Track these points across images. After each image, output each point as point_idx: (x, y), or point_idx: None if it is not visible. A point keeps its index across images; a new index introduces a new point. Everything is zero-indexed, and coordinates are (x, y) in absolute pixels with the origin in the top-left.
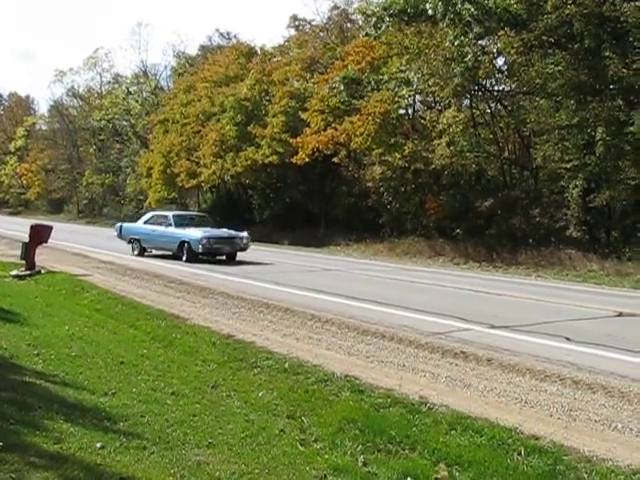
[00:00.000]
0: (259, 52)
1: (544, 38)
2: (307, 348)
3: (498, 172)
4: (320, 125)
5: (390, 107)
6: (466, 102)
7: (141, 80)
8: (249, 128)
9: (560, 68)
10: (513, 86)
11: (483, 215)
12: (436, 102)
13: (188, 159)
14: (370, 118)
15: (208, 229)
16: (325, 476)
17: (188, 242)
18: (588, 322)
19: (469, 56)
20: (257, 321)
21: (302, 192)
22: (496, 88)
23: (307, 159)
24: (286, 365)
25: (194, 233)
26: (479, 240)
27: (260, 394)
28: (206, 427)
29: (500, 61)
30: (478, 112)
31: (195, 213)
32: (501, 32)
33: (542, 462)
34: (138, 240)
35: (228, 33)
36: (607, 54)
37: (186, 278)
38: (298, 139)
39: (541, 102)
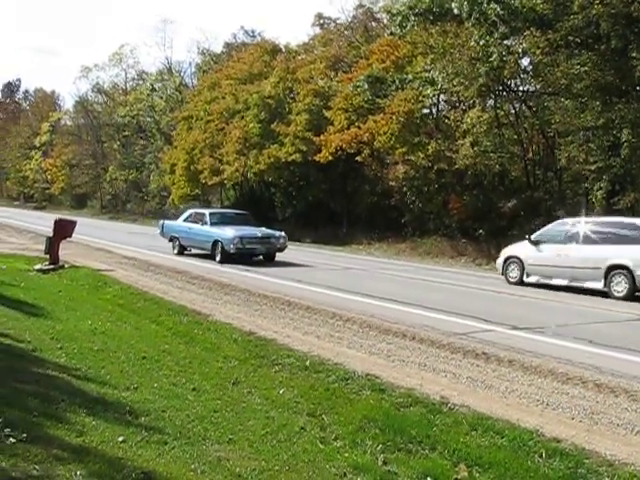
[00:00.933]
0: (283, 50)
1: (570, 38)
2: (328, 346)
3: (522, 173)
4: (344, 124)
5: (414, 106)
6: (490, 102)
7: (165, 77)
8: (272, 126)
9: (586, 69)
10: (538, 86)
11: (506, 216)
12: (460, 102)
13: (211, 156)
14: (394, 117)
15: (244, 228)
16: (345, 474)
17: (221, 241)
18: (611, 325)
19: (494, 56)
20: (279, 318)
21: (324, 190)
22: (521, 88)
23: (330, 157)
24: (307, 363)
25: (227, 232)
26: (502, 241)
27: (281, 391)
28: (227, 423)
29: (525, 61)
30: (502, 112)
31: (234, 211)
32: (527, 32)
33: (563, 465)
34: (178, 238)
35: (253, 31)
36: (634, 55)
37: (208, 275)
38: (321, 137)
39: (566, 103)
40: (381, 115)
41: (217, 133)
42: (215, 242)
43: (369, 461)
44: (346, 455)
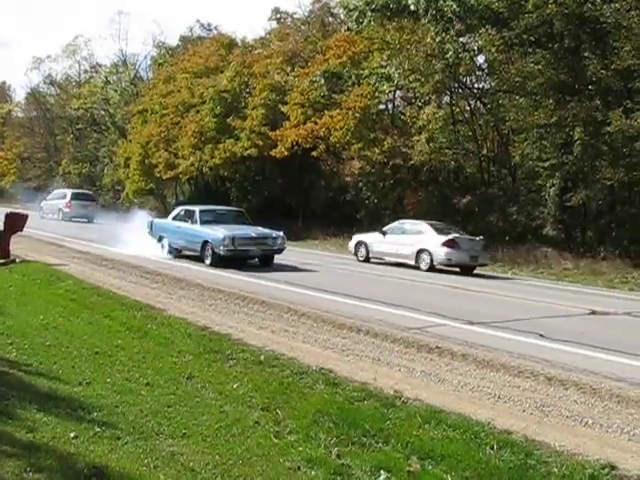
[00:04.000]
0: (240, 44)
1: (525, 37)
2: (283, 341)
3: (476, 169)
4: (300, 119)
5: (370, 102)
6: (446, 99)
7: (120, 70)
8: (228, 120)
9: (540, 67)
10: (493, 84)
11: (461, 212)
12: (416, 98)
13: (166, 150)
14: (350, 113)
15: (237, 227)
16: (299, 468)
17: (210, 242)
18: (562, 320)
19: (450, 53)
20: (233, 313)
21: (281, 185)
22: (476, 85)
23: (286, 153)
24: (261, 357)
25: (217, 232)
26: None
27: (235, 386)
28: (180, 418)
29: (481, 59)
30: (458, 109)
31: (228, 208)
32: (482, 30)
33: (514, 456)
34: (166, 239)
35: (209, 24)
36: (586, 54)
37: (163, 270)
38: (277, 132)
39: (520, 100)
40: (337, 110)
41: (172, 127)
42: (204, 243)
43: (323, 455)
44: (300, 449)
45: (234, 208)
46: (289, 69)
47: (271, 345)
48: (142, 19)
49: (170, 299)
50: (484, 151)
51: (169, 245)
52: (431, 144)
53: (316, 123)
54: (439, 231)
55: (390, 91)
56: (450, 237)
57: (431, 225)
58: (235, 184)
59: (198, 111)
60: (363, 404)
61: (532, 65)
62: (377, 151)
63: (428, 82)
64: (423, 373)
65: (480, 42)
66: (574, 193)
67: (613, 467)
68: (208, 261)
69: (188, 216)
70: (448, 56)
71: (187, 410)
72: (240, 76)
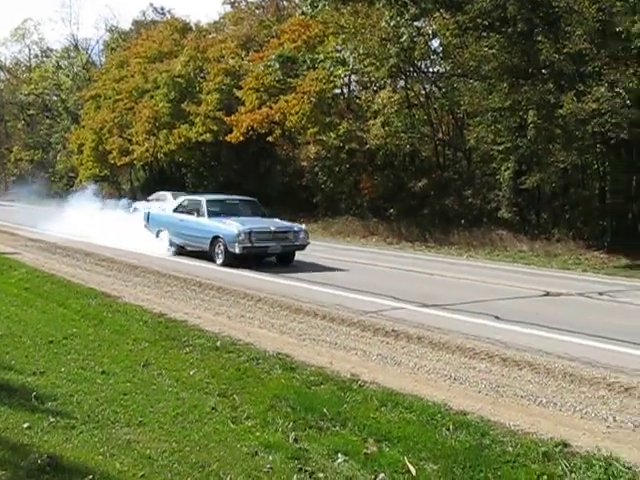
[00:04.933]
0: (194, 28)
1: (478, 21)
2: (239, 326)
3: (432, 153)
4: (255, 103)
5: (325, 86)
6: (401, 83)
7: (72, 54)
8: (183, 105)
9: (494, 51)
10: (448, 68)
11: (417, 195)
12: (371, 82)
13: (120, 136)
14: (305, 97)
15: (252, 220)
16: (256, 453)
17: (222, 238)
18: (517, 301)
19: (405, 37)
20: (190, 300)
21: (236, 171)
22: (431, 70)
23: (241, 138)
24: (218, 343)
25: (230, 226)
26: (412, 220)
27: (191, 372)
28: (137, 406)
29: (435, 43)
30: (413, 93)
31: (239, 197)
32: (436, 14)
33: (469, 437)
34: (166, 234)
35: (162, 8)
36: (539, 38)
37: (118, 257)
38: (233, 117)
39: (475, 84)
40: (292, 95)
41: (126, 113)
42: (214, 239)
43: (280, 439)
44: (257, 434)
45: (246, 197)
46: (244, 53)
47: (228, 331)
48: (94, 2)
49: (125, 286)
50: (439, 135)
51: (170, 241)
52: (386, 128)
53: (271, 108)
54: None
55: (345, 75)
56: None
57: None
58: (191, 170)
59: (152, 96)
60: (320, 388)
61: (486, 49)
62: (333, 135)
63: (383, 66)
64: (379, 356)
65: (434, 26)
66: (528, 176)
67: (566, 445)
68: (219, 260)
69: (193, 207)
70: (403, 40)
71: (143, 398)
72: (194, 61)
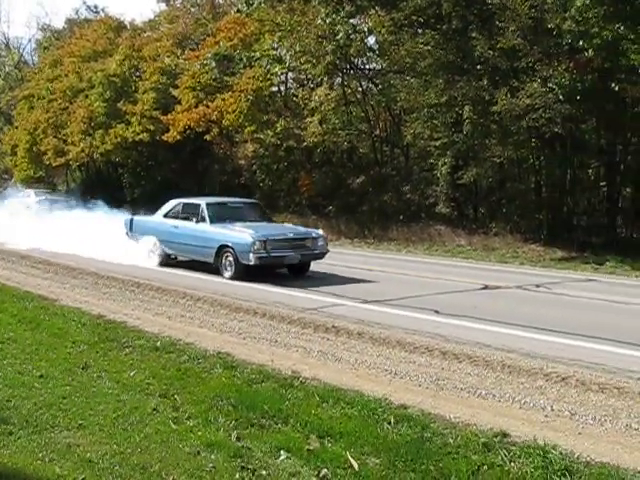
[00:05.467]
0: (128, 27)
1: (413, 18)
2: (179, 326)
3: (370, 150)
4: (192, 102)
5: (262, 84)
6: (338, 80)
7: (3, 53)
8: (119, 105)
9: (429, 48)
10: (384, 65)
11: (355, 192)
12: (308, 80)
13: (55, 136)
14: (242, 95)
15: (264, 226)
16: (198, 452)
17: (232, 248)
18: (456, 295)
19: (341, 34)
20: (128, 301)
21: (174, 170)
22: (367, 67)
23: (178, 137)
24: (158, 344)
25: (242, 234)
26: (351, 217)
27: (132, 374)
28: (76, 409)
29: (371, 40)
30: (350, 90)
31: (241, 200)
32: (372, 11)
33: (410, 430)
34: (156, 242)
35: (96, 6)
36: (474, 35)
37: (54, 258)
38: (169, 116)
39: (411, 81)
40: (229, 93)
41: (61, 113)
42: (221, 249)
43: (222, 438)
44: (199, 433)
45: (248, 200)
46: (179, 52)
47: (168, 331)
48: (25, 0)
49: (63, 289)
50: (377, 131)
51: (161, 251)
52: (324, 125)
53: (208, 106)
54: None
55: (282, 73)
56: None
57: None
58: (127, 170)
59: (87, 96)
60: (261, 386)
61: (421, 46)
62: (270, 133)
63: (320, 63)
64: (320, 353)
65: (370, 23)
66: (465, 171)
67: (505, 435)
68: (228, 273)
69: (190, 212)
70: (339, 37)
71: (83, 401)
72: (129, 60)
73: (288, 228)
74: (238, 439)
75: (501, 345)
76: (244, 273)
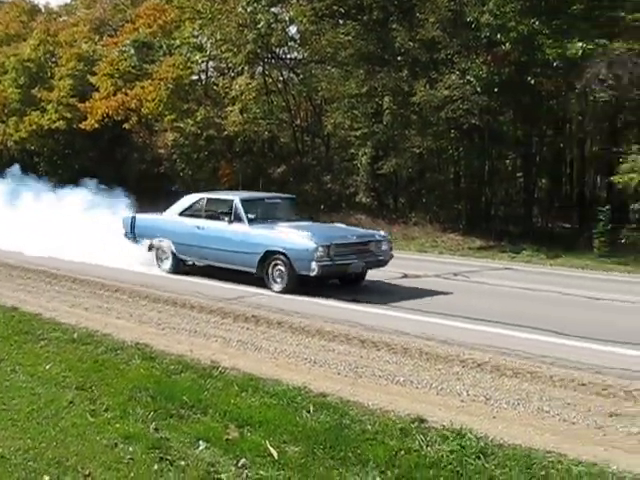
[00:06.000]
0: (43, 10)
1: (335, 8)
2: (97, 318)
3: (291, 139)
4: (110, 90)
5: (183, 72)
6: (259, 69)
7: None
8: (34, 91)
9: (350, 38)
10: (305, 54)
11: (276, 182)
12: (229, 69)
13: None
14: (162, 83)
15: (316, 226)
16: (116, 444)
17: (285, 255)
18: (375, 284)
19: (262, 23)
20: (44, 292)
21: (92, 159)
22: (289, 56)
23: (96, 125)
24: (75, 335)
25: (297, 237)
26: None
27: (47, 367)
28: None
29: (293, 29)
30: (271, 79)
31: (276, 195)
32: (293, 0)
33: (329, 418)
34: (169, 246)
35: None
36: (394, 26)
37: None
38: (87, 104)
39: (332, 71)
40: (149, 81)
41: None
42: (268, 256)
43: (140, 430)
44: (117, 426)
45: (284, 194)
46: (97, 38)
47: (85, 322)
48: None
49: None
50: (298, 121)
51: (174, 257)
52: (245, 114)
53: (127, 94)
54: None
55: (203, 61)
56: None
57: None
58: (44, 158)
59: (0, 82)
60: (180, 376)
61: (342, 36)
62: (190, 122)
63: (241, 52)
64: (240, 342)
65: (291, 13)
66: (385, 161)
67: (422, 420)
68: (278, 285)
69: (218, 210)
70: (260, 26)
71: None
72: (45, 45)
73: (346, 229)
74: (156, 430)
75: (420, 333)
76: (297, 285)
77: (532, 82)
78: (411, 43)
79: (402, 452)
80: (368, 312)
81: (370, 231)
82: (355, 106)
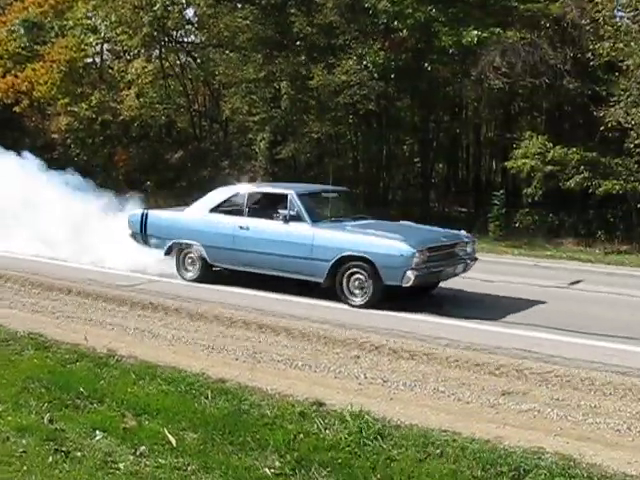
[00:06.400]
0: None
1: None
2: None
3: (188, 124)
4: None
5: (76, 55)
6: (156, 53)
7: None
8: None
9: (248, 22)
10: (203, 38)
11: (173, 167)
12: (125, 52)
13: None
14: (55, 66)
15: (390, 226)
16: (8, 438)
17: (369, 262)
18: None
19: (158, 5)
20: None
21: None
22: (186, 40)
23: None
24: None
25: (383, 239)
26: (169, 192)
27: None
28: None
29: (190, 12)
30: (168, 63)
31: (333, 188)
32: None
33: (228, 403)
34: (199, 250)
35: None
36: (292, 11)
37: None
38: None
39: (230, 55)
40: (41, 63)
41: None
42: (343, 262)
43: (34, 421)
44: (9, 418)
45: (339, 187)
46: None
47: None
48: None
49: None
50: (195, 106)
51: (202, 262)
52: (141, 99)
53: (17, 76)
54: None
55: (97, 44)
56: None
57: None
58: None
59: None
60: (76, 366)
61: (240, 20)
62: (85, 106)
63: (136, 35)
64: (137, 330)
65: None
66: (284, 146)
67: (321, 404)
68: (359, 299)
69: (267, 207)
70: (156, 9)
71: None
72: None
73: (429, 229)
74: (51, 422)
75: (319, 317)
76: (381, 296)
77: (429, 68)
78: (309, 28)
79: (301, 435)
80: (267, 297)
81: (454, 231)
82: (253, 91)
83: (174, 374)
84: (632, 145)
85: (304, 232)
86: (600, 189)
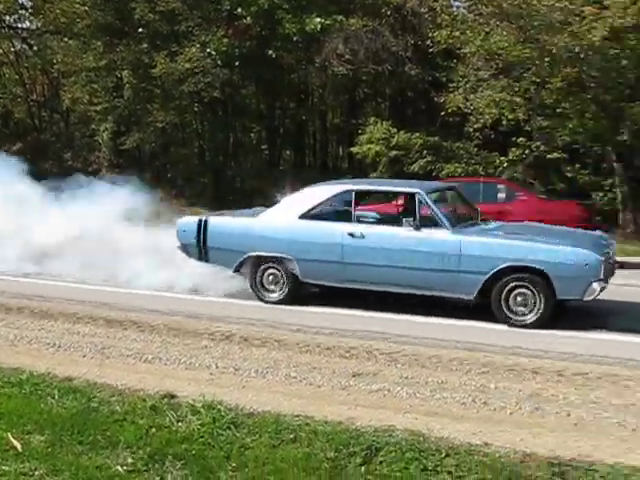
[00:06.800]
0: None
1: None
2: None
3: (26, 115)
4: None
5: None
6: None
7: None
8: None
9: (86, 8)
10: (39, 25)
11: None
12: None
13: None
14: None
15: (550, 229)
16: None
17: (542, 272)
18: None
19: None
20: None
21: None
22: (20, 25)
23: None
24: None
25: (558, 247)
26: None
27: None
28: None
29: None
30: (2, 51)
31: (444, 184)
32: None
33: (76, 402)
34: (286, 264)
35: None
36: None
37: None
38: None
39: (69, 42)
40: None
41: None
42: (501, 275)
43: None
44: None
45: (448, 184)
46: None
47: None
48: None
49: None
50: (34, 96)
51: (295, 279)
52: None
53: None
54: None
55: None
56: None
57: None
58: None
59: None
60: None
61: (78, 6)
62: None
63: None
64: None
65: None
66: (128, 137)
67: (173, 396)
68: (529, 317)
69: (381, 208)
70: None
71: None
72: None
73: (584, 232)
74: None
75: (166, 309)
76: (551, 314)
77: (273, 56)
78: (151, 15)
79: (153, 430)
80: (114, 292)
81: (597, 232)
82: (94, 80)
83: (17, 375)
84: (471, 129)
85: (445, 240)
86: (443, 172)
